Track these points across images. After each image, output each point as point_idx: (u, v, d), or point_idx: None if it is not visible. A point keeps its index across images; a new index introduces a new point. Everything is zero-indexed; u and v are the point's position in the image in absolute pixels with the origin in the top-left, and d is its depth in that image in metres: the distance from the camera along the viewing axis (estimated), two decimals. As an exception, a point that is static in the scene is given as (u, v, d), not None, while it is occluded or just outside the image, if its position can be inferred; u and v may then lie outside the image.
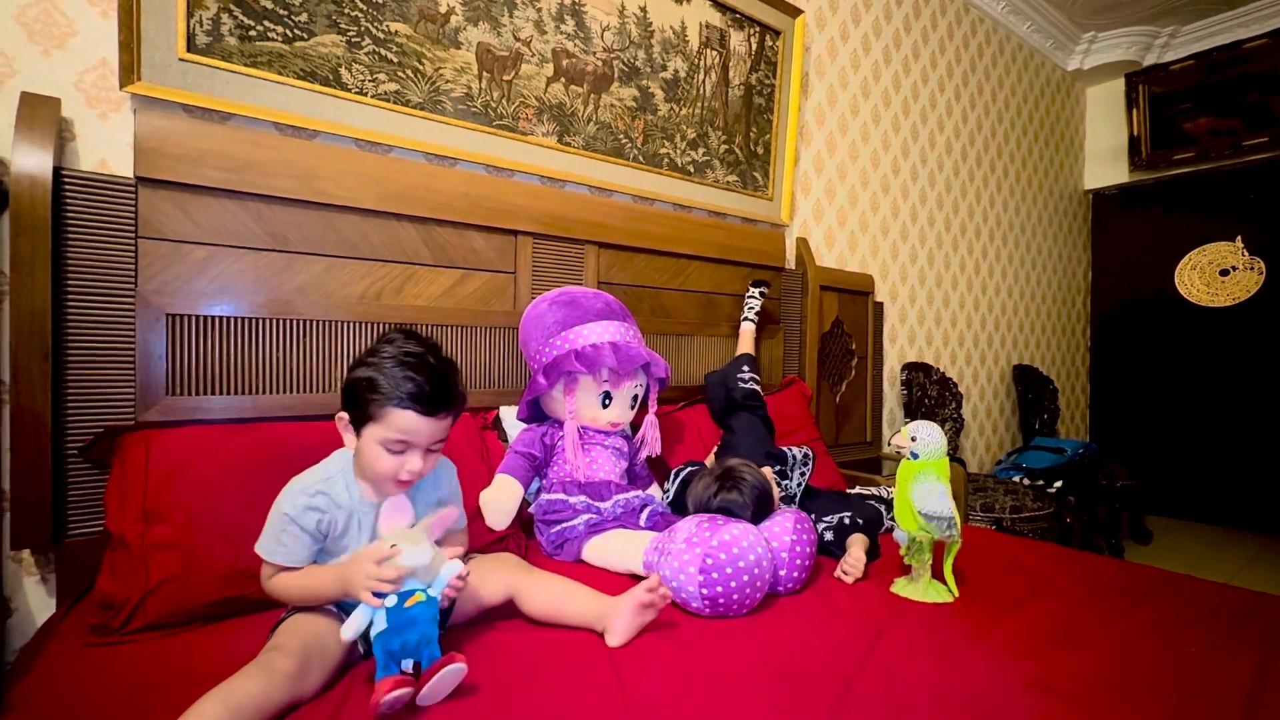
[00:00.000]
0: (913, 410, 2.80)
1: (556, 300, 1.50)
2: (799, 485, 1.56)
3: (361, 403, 0.90)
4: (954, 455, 2.84)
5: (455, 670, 0.78)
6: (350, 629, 0.81)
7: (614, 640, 0.95)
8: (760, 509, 1.19)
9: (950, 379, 2.99)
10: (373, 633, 0.81)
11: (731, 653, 0.93)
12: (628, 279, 1.86)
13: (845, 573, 1.22)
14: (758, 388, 1.85)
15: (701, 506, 1.21)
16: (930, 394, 2.91)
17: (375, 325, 1.42)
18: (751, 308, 2.08)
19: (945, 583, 1.17)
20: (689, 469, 1.53)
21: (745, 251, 2.12)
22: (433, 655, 0.81)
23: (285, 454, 1.16)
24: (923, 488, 1.13)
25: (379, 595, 0.81)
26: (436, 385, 0.91)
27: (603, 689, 0.81)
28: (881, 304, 2.76)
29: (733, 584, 1.01)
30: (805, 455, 1.61)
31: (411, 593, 0.83)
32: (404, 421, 0.89)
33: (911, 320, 2.93)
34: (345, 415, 0.93)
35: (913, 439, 1.19)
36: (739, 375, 1.86)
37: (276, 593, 0.91)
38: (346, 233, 1.38)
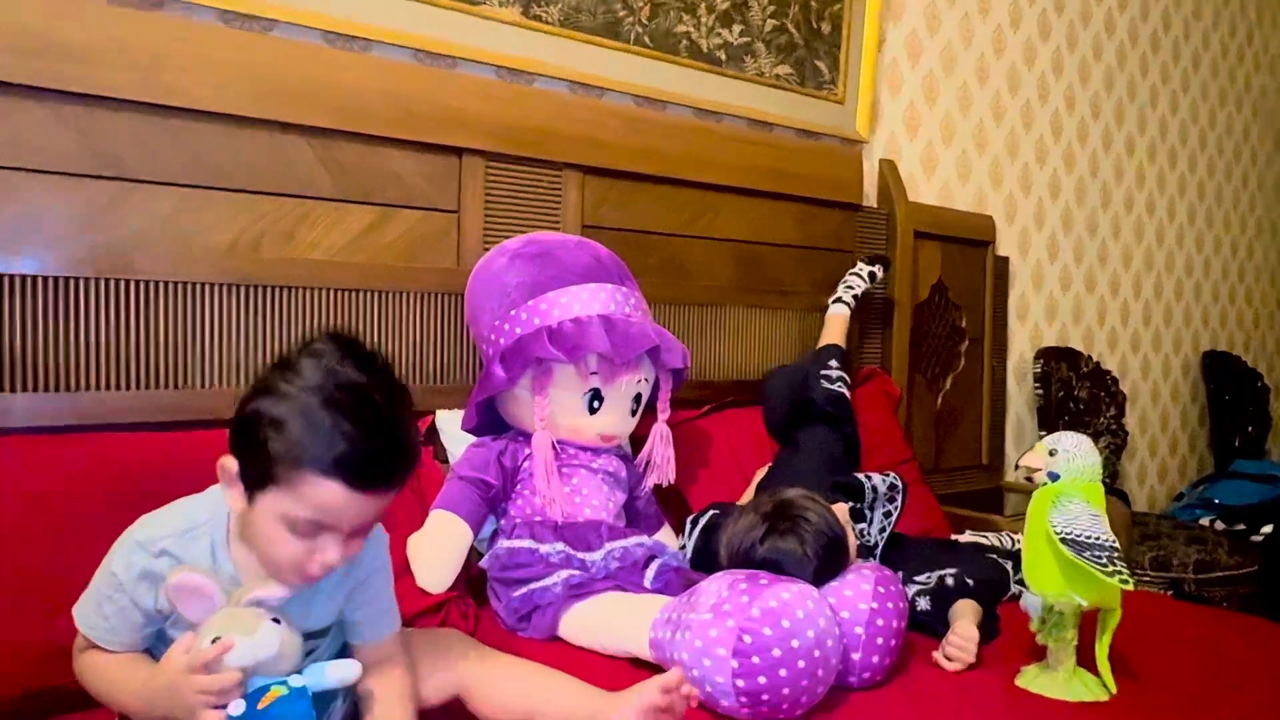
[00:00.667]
0: (1051, 419, 2.79)
1: (522, 253, 1.50)
2: (882, 531, 1.56)
3: (261, 454, 0.80)
4: (1111, 485, 2.85)
5: None
6: None
7: None
8: (827, 564, 1.18)
9: (1108, 372, 2.99)
10: None
11: None
12: (628, 222, 1.86)
13: (949, 656, 1.22)
14: (847, 392, 1.85)
15: (740, 557, 1.19)
16: (1078, 394, 2.91)
17: (253, 290, 1.42)
18: (851, 289, 2.07)
19: (1098, 673, 1.17)
20: (714, 513, 1.53)
21: (802, 180, 2.12)
22: None
23: (124, 478, 1.16)
24: (1066, 509, 1.13)
25: (220, 706, 0.78)
26: (383, 443, 0.80)
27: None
28: (1007, 260, 2.76)
29: (782, 673, 1.00)
30: (892, 486, 1.61)
31: (265, 688, 0.81)
32: (324, 496, 0.79)
33: (1051, 285, 2.93)
34: (233, 465, 0.83)
35: (1051, 453, 1.19)
36: (824, 373, 1.86)
37: (82, 678, 0.89)
38: (208, 151, 1.38)
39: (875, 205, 2.35)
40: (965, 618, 1.30)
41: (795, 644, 1.00)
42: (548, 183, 1.73)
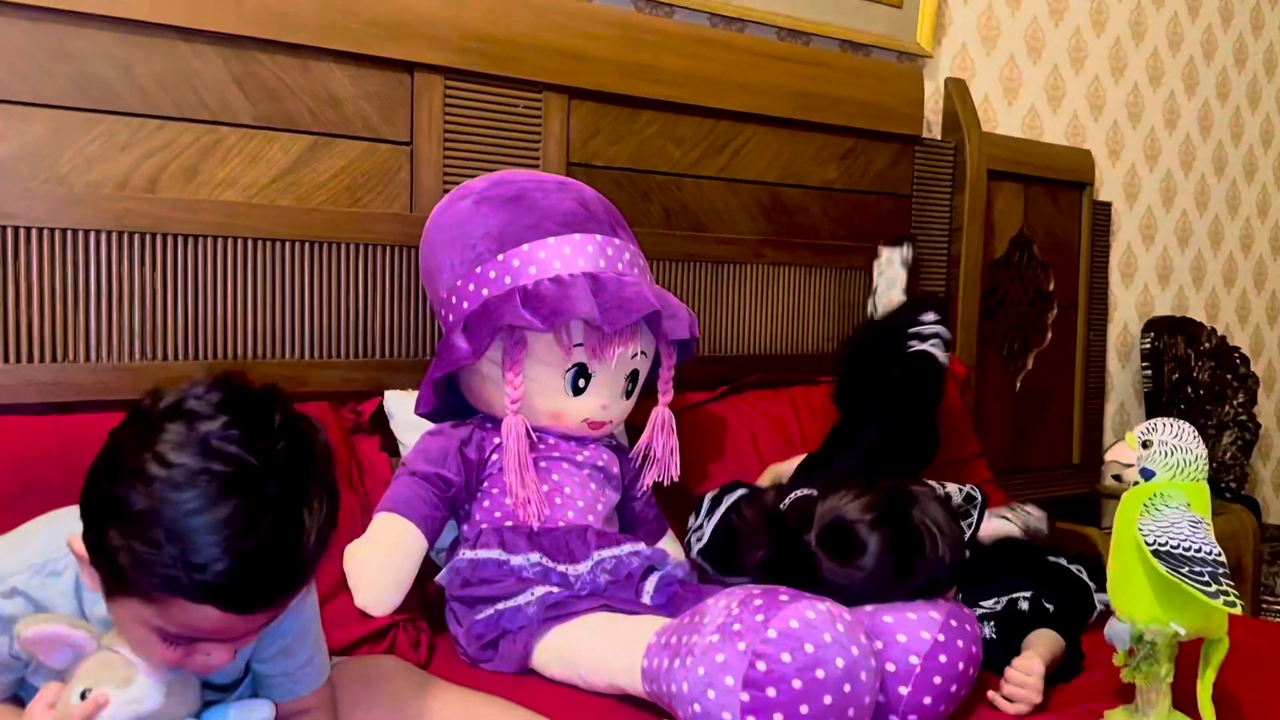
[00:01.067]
0: (1162, 405, 2.81)
1: (490, 195, 1.51)
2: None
3: (115, 562, 0.77)
4: (1237, 490, 2.86)
5: None
6: None
7: None
8: (935, 580, 1.25)
9: (1236, 350, 3.00)
10: None
11: None
12: (624, 158, 1.88)
13: (1007, 696, 1.25)
14: (941, 354, 1.82)
15: (833, 534, 1.28)
16: (1198, 377, 2.93)
17: (148, 238, 1.44)
18: (895, 284, 2.03)
19: (1199, 717, 1.18)
20: (742, 492, 1.54)
21: (846, 106, 2.13)
22: None
23: None
24: (1161, 515, 1.16)
25: None
26: (271, 565, 0.78)
27: None
28: (1109, 207, 2.77)
29: (803, 710, 1.02)
30: (969, 498, 1.63)
31: None
32: (196, 619, 0.78)
33: (1166, 239, 2.93)
34: (83, 551, 0.81)
35: (1144, 445, 1.20)
36: (916, 329, 1.82)
37: None
38: (92, 63, 1.40)
39: (939, 137, 2.36)
40: (1038, 648, 1.32)
41: (820, 674, 1.02)
42: (524, 108, 1.75)
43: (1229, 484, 2.86)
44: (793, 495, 1.43)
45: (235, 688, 0.97)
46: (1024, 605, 1.45)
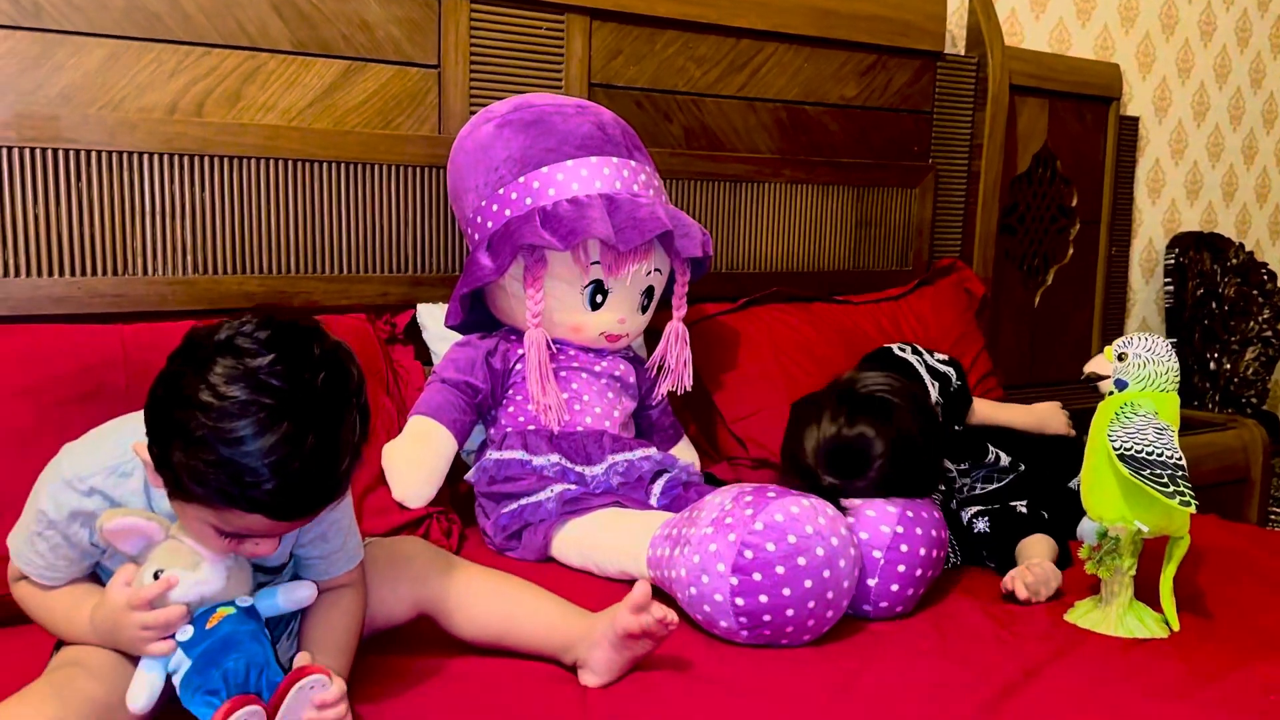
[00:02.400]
0: (1184, 322, 2.85)
1: (511, 119, 1.59)
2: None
3: (177, 478, 0.88)
4: (1255, 405, 2.90)
5: (312, 682, 0.91)
6: (140, 696, 0.92)
7: (591, 679, 1.05)
8: (898, 477, 1.31)
9: (1264, 266, 3.01)
10: (176, 681, 0.92)
11: (775, 702, 1.03)
12: (646, 79, 1.94)
13: (1026, 585, 1.32)
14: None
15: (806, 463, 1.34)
16: (1223, 292, 2.95)
17: (196, 160, 1.55)
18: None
19: (1160, 609, 1.27)
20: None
21: (866, 22, 2.15)
22: (274, 681, 0.92)
23: (59, 377, 1.31)
24: (1130, 423, 1.23)
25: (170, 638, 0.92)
26: (312, 482, 0.89)
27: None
28: (1136, 122, 2.77)
29: (785, 592, 1.12)
30: (947, 374, 1.68)
31: (212, 609, 0.94)
32: (248, 523, 0.90)
33: (1196, 154, 2.92)
34: (146, 454, 0.91)
35: (1119, 358, 1.28)
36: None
37: (21, 604, 1.03)
38: (142, -4, 1.50)
39: (962, 51, 2.38)
40: (1042, 556, 1.41)
41: (801, 561, 1.14)
42: (547, 30, 1.81)
43: (1250, 399, 2.91)
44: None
45: (282, 570, 1.09)
46: (1021, 509, 1.55)
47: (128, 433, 0.99)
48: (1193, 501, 1.18)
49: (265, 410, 0.85)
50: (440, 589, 1.13)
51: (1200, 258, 2.89)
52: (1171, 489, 1.18)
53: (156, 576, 0.93)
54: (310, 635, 1.05)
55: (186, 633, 0.92)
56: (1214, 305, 2.91)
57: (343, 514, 1.08)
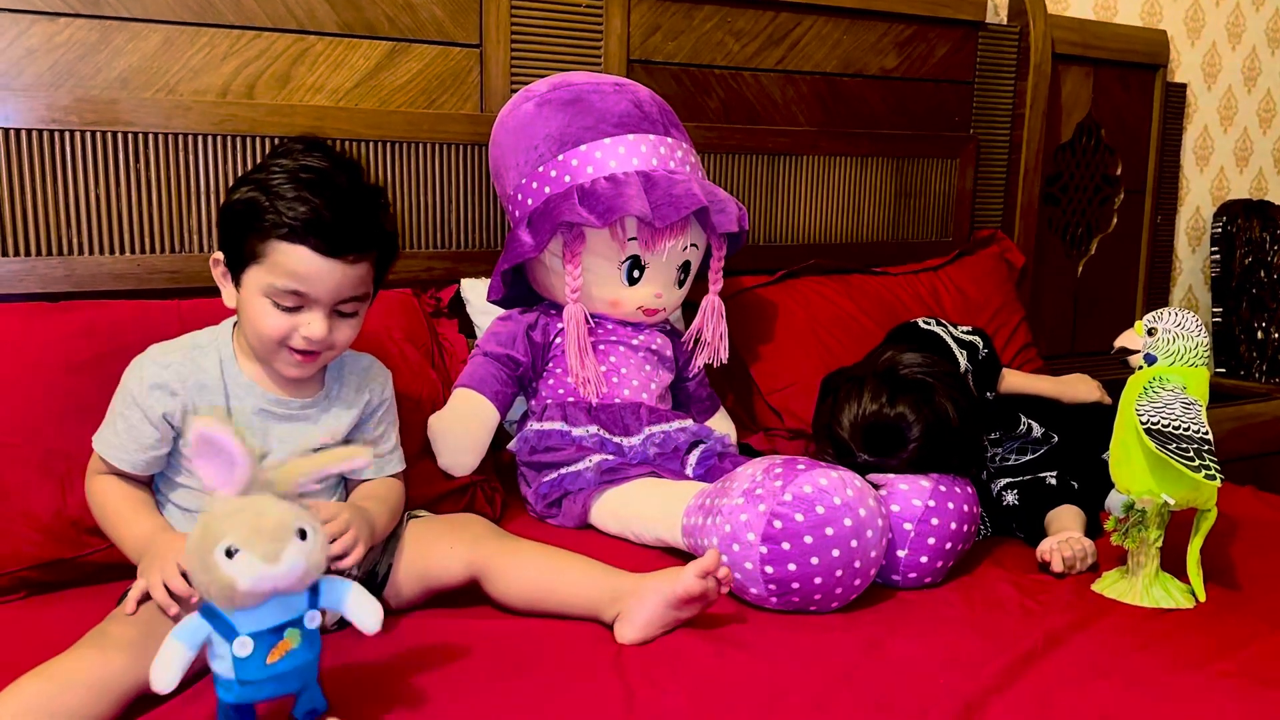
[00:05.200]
0: (1230, 291, 2.82)
1: (550, 98, 1.63)
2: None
3: (239, 235, 1.11)
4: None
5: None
6: (164, 676, 0.84)
7: (628, 633, 1.10)
8: (933, 459, 1.35)
9: (1314, 234, 2.96)
10: (214, 668, 0.87)
11: (801, 667, 1.07)
12: (684, 54, 1.96)
13: (1064, 557, 1.34)
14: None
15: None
16: (1272, 260, 2.90)
17: (248, 140, 1.61)
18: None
19: (1187, 580, 1.30)
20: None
21: (906, -7, 2.16)
22: (314, 707, 0.90)
23: (122, 348, 1.34)
24: (1157, 397, 1.25)
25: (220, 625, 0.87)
26: (342, 210, 1.10)
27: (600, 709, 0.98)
28: (1184, 89, 2.73)
29: (814, 561, 1.17)
30: (974, 343, 1.69)
31: (279, 635, 0.86)
32: (295, 261, 1.09)
33: (1247, 120, 2.87)
34: (220, 256, 1.17)
35: (1149, 333, 1.30)
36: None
37: (90, 500, 1.17)
38: (194, -19, 1.55)
39: (1005, 21, 2.36)
40: (1072, 529, 1.43)
41: (829, 531, 1.18)
42: (586, 6, 1.84)
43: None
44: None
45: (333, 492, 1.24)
46: (1051, 480, 1.58)
47: (198, 332, 1.22)
48: (1218, 475, 1.20)
49: (307, 166, 1.11)
50: (492, 550, 1.22)
51: (1249, 225, 2.85)
52: (1197, 463, 1.20)
53: (230, 554, 0.83)
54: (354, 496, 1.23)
55: (245, 647, 0.86)
56: (1262, 274, 2.87)
57: (393, 417, 1.31)
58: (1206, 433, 1.23)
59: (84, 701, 0.92)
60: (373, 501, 1.20)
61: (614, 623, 1.14)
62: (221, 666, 0.87)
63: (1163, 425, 1.23)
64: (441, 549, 1.22)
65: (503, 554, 1.21)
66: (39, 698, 0.91)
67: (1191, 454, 1.20)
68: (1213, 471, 1.20)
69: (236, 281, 1.14)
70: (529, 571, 1.20)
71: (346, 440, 1.23)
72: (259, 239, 1.09)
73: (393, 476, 1.29)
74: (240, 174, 1.24)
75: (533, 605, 1.19)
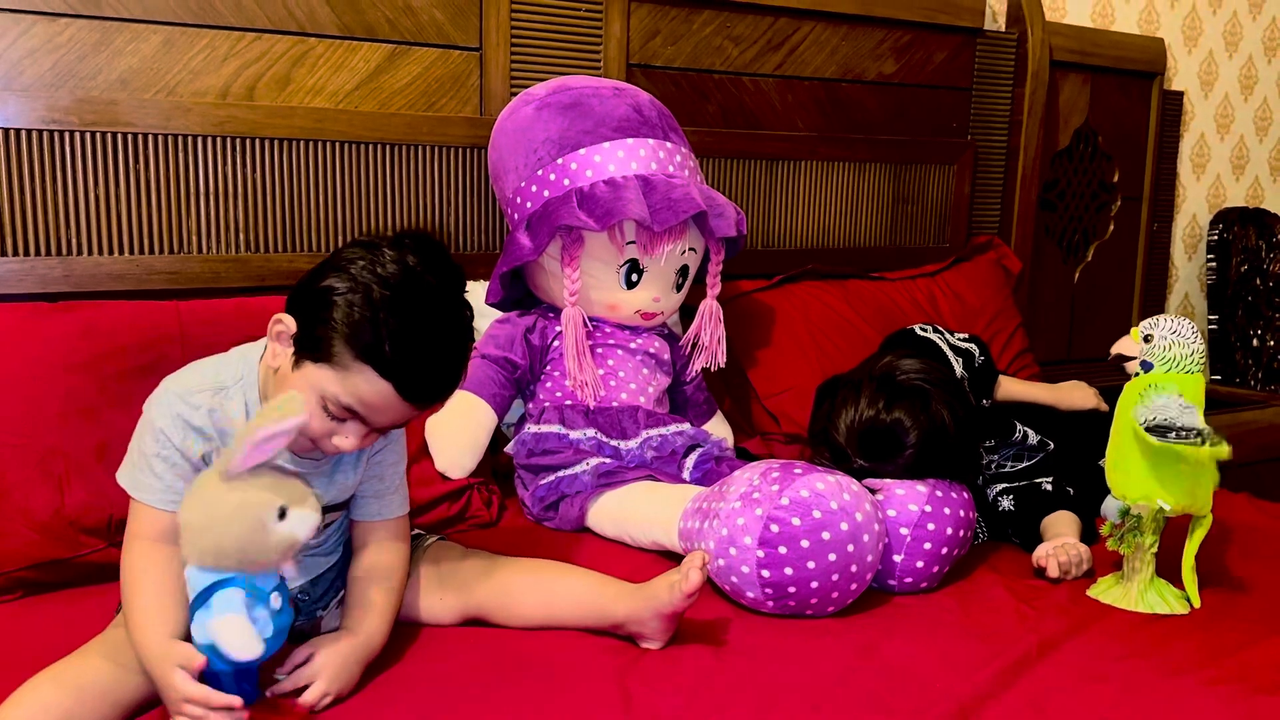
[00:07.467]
0: (1226, 299, 2.83)
1: (549, 102, 1.63)
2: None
3: (325, 329, 0.98)
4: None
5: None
6: (252, 645, 0.94)
7: (655, 645, 1.12)
8: (928, 465, 1.35)
9: (1310, 242, 2.97)
10: (233, 641, 0.94)
11: (797, 671, 1.08)
12: (683, 59, 1.97)
13: (1059, 562, 1.34)
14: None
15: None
16: (1270, 269, 2.91)
17: (247, 142, 1.61)
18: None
19: (1182, 586, 1.30)
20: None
21: (903, -1, 2.17)
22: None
23: (121, 348, 1.37)
24: (1153, 403, 1.26)
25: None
26: (442, 366, 1.02)
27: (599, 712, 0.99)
28: (1181, 96, 2.75)
29: (810, 565, 1.18)
30: (970, 350, 1.69)
31: (280, 592, 0.99)
32: (372, 392, 0.98)
33: (1243, 128, 2.88)
34: (292, 325, 1.01)
35: (1145, 339, 1.30)
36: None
37: (124, 562, 1.03)
38: (196, -17, 1.55)
39: (1002, 29, 2.37)
40: (1066, 535, 1.44)
41: (826, 536, 1.18)
42: (585, 11, 1.85)
43: (1293, 384, 2.89)
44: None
45: (344, 509, 1.17)
46: (1047, 486, 1.58)
47: (218, 365, 1.11)
48: (1225, 446, 1.20)
49: (423, 288, 1.00)
50: (484, 595, 1.20)
51: (1245, 233, 2.86)
52: (1202, 440, 1.21)
53: (282, 514, 0.94)
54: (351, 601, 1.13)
55: (278, 599, 0.98)
56: (1258, 282, 2.88)
57: (400, 458, 1.19)
58: (1204, 426, 1.24)
59: (100, 713, 0.96)
60: (377, 589, 1.13)
61: (636, 638, 1.15)
62: (243, 636, 0.94)
63: (1160, 422, 1.23)
64: (432, 602, 1.20)
65: (494, 597, 1.20)
66: (57, 709, 0.93)
67: (1193, 439, 1.21)
68: (1219, 440, 1.20)
69: (296, 359, 1.02)
70: (525, 609, 1.19)
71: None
72: (344, 347, 0.98)
73: (396, 520, 1.19)
74: (354, 238, 1.14)
75: (540, 625, 1.19)
